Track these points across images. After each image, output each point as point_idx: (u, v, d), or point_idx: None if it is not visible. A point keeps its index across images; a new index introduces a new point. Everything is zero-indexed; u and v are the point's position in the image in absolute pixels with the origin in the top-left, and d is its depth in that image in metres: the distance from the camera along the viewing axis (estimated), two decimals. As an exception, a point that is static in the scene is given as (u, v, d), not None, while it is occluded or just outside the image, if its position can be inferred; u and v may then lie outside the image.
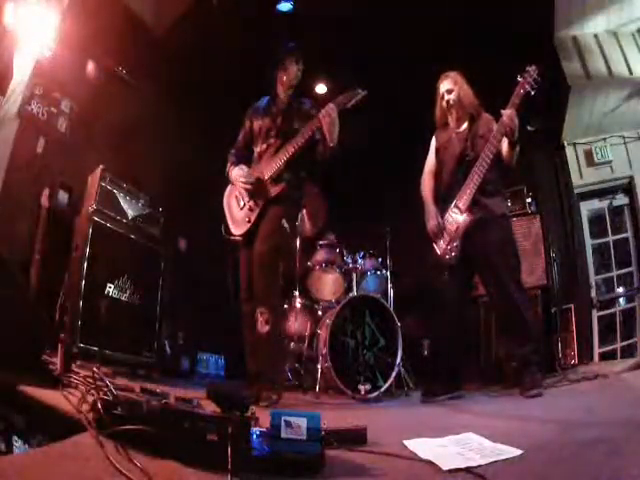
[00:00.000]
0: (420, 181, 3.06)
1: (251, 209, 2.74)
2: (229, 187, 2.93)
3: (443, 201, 2.86)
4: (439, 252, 2.80)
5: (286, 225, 2.68)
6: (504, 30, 3.91)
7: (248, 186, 2.73)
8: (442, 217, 2.82)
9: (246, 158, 2.90)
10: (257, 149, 2.85)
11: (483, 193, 2.72)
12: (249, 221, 2.73)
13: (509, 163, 2.74)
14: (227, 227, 2.85)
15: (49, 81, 3.47)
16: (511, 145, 2.67)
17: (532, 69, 2.65)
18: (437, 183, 2.97)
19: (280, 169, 2.69)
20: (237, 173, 2.80)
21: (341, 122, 2.65)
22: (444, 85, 2.94)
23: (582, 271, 4.40)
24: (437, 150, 3.02)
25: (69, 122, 3.66)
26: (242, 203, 2.79)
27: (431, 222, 2.85)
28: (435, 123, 3.07)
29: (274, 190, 2.69)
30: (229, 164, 2.92)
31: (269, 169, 2.71)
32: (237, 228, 2.79)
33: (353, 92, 2.66)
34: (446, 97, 2.91)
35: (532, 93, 2.63)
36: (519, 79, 2.65)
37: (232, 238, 2.81)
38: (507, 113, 2.59)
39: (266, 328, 2.51)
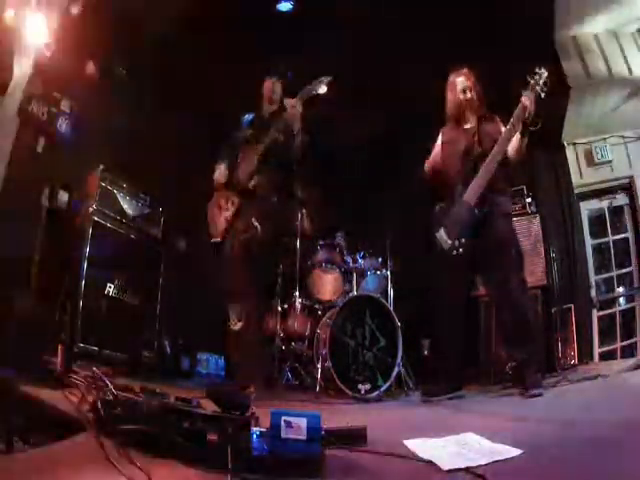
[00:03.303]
0: (419, 180, 3.05)
1: (227, 209, 2.89)
2: (214, 196, 3.03)
3: (449, 196, 2.81)
4: (445, 248, 2.72)
5: (256, 224, 2.77)
6: (504, 30, 3.90)
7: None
8: (449, 212, 2.76)
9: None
10: (239, 159, 2.99)
11: (492, 190, 2.68)
12: (226, 220, 2.87)
13: (518, 155, 2.70)
14: (209, 231, 2.97)
15: (49, 81, 3.46)
16: (522, 134, 2.63)
17: (542, 72, 2.63)
18: (442, 179, 2.92)
19: (253, 168, 2.82)
20: (217, 174, 2.98)
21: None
22: (462, 81, 2.89)
23: (582, 271, 4.38)
24: (442, 146, 2.97)
25: (69, 122, 3.66)
26: (222, 206, 2.93)
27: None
28: (444, 117, 3.00)
29: (245, 187, 2.82)
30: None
31: (243, 170, 2.86)
32: (216, 229, 2.91)
33: (317, 80, 2.78)
34: (468, 95, 2.86)
35: (542, 96, 2.60)
36: (530, 81, 2.61)
37: (214, 241, 2.92)
38: (524, 98, 2.56)
39: (238, 325, 2.58)
